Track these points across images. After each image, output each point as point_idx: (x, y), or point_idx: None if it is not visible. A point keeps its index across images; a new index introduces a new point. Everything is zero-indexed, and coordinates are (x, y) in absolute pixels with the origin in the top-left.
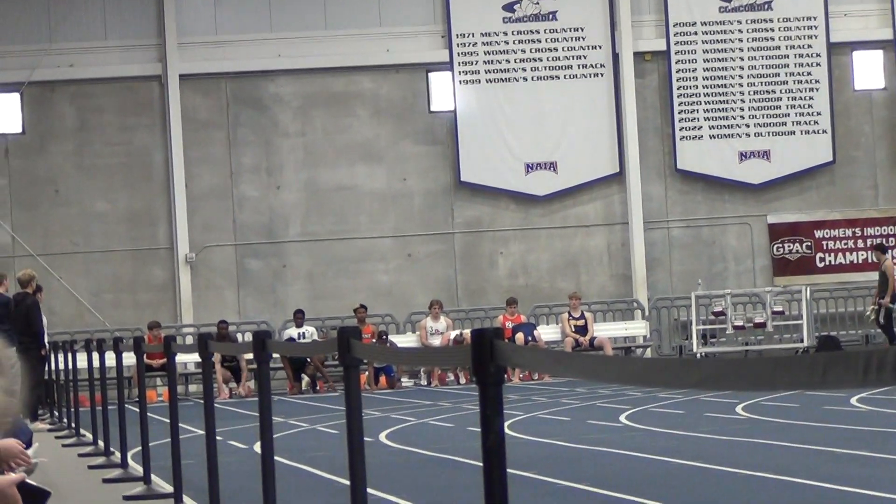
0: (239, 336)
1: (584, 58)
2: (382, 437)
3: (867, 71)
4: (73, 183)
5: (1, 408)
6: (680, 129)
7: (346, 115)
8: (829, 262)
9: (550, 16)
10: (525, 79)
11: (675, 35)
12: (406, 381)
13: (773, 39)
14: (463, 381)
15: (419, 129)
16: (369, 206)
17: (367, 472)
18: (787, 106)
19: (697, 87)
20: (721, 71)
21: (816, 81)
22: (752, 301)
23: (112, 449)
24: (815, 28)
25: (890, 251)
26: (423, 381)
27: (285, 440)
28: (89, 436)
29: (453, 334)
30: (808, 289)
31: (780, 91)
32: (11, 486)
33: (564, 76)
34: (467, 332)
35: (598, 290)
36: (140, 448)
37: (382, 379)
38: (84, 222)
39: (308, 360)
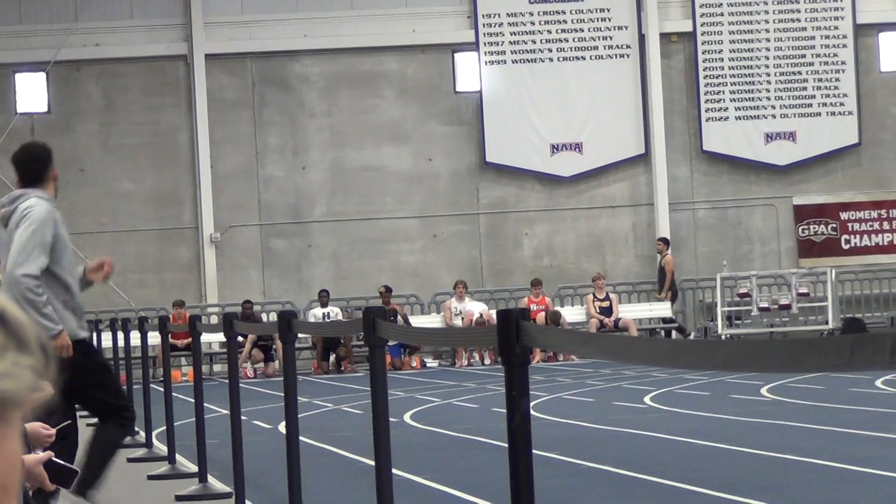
0: (264, 316)
1: (610, 39)
2: (407, 417)
3: (894, 52)
4: (98, 163)
5: (30, 387)
6: (706, 111)
7: (371, 96)
8: (855, 244)
9: None
10: (551, 59)
11: (701, 16)
12: (431, 362)
13: (799, 21)
14: (487, 361)
15: (445, 109)
16: (395, 187)
17: (391, 452)
18: (814, 87)
19: (723, 69)
20: (747, 52)
21: (843, 63)
22: (777, 283)
23: (136, 429)
24: (842, 9)
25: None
26: (447, 362)
27: (310, 420)
28: None
29: (476, 314)
30: (834, 271)
31: (807, 72)
32: (38, 464)
33: (590, 57)
34: (488, 312)
35: (623, 272)
36: (164, 428)
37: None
38: (109, 202)
39: (341, 340)
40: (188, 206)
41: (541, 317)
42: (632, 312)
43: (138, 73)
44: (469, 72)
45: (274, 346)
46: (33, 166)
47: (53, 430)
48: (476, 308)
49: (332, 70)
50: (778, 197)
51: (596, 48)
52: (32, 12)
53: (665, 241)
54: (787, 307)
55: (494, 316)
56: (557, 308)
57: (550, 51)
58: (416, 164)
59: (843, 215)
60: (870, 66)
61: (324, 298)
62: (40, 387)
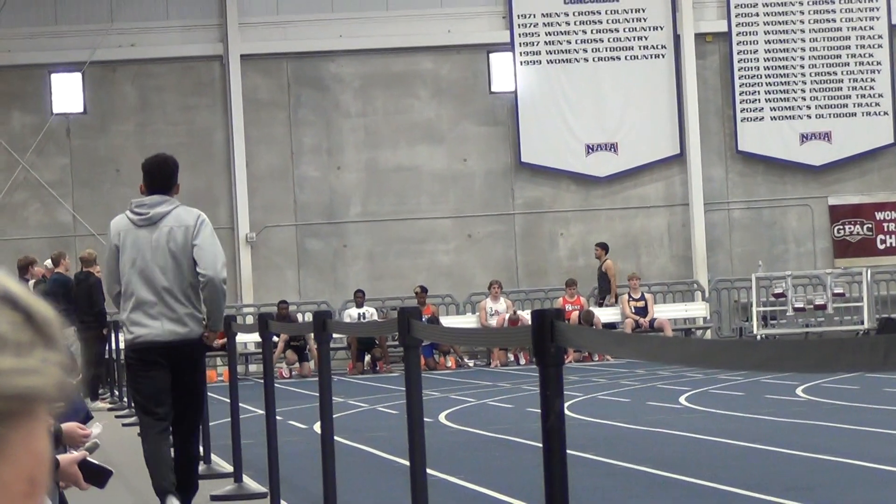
0: (299, 316)
1: (645, 39)
2: (442, 417)
3: None
4: (134, 163)
5: (59, 384)
6: (741, 111)
7: (406, 96)
8: (890, 244)
9: None
10: (586, 60)
11: (736, 16)
12: (468, 361)
13: (834, 21)
14: (523, 361)
15: (480, 109)
16: (430, 187)
17: (426, 452)
18: (849, 87)
19: (758, 69)
20: (782, 52)
21: (878, 63)
22: (812, 283)
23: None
24: (877, 10)
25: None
26: (482, 362)
27: (345, 420)
28: None
29: (508, 314)
30: (869, 271)
31: (842, 72)
32: (73, 464)
33: (625, 57)
34: (522, 312)
35: (658, 272)
36: (200, 428)
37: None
38: None
39: (376, 340)
40: (224, 206)
41: (574, 316)
42: (667, 312)
43: (174, 73)
44: (504, 72)
45: (308, 347)
46: (169, 176)
47: (89, 431)
48: (504, 307)
49: (366, 70)
50: (813, 197)
51: (631, 48)
52: (68, 13)
53: (603, 246)
54: (823, 307)
55: (525, 315)
56: (591, 308)
57: (586, 51)
58: (450, 164)
59: (879, 215)
60: None
61: (359, 299)
62: (67, 383)
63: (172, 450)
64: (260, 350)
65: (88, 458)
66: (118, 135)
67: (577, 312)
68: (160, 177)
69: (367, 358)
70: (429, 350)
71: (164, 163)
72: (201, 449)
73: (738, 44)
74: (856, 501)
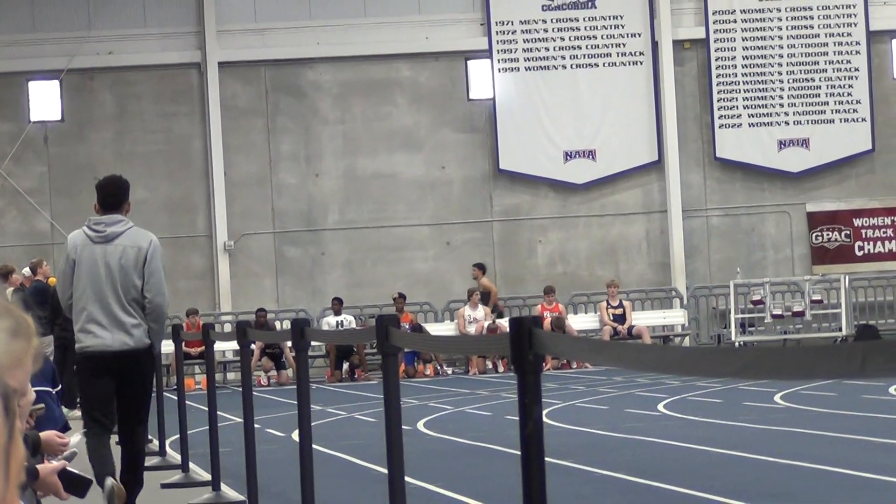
0: (277, 324)
1: (623, 46)
2: (420, 425)
3: None
4: (112, 171)
5: (8, 352)
6: (719, 118)
7: (385, 103)
8: (868, 250)
9: (589, 3)
10: (564, 67)
11: (714, 23)
12: (446, 369)
13: (812, 27)
14: (501, 369)
15: (458, 116)
16: (408, 194)
17: (404, 460)
18: (827, 94)
19: (736, 76)
20: (760, 59)
21: (856, 69)
22: (790, 290)
23: (150, 437)
24: (855, 16)
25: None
26: (461, 370)
27: (323, 428)
28: None
29: (487, 322)
30: (847, 277)
31: (820, 79)
32: (52, 474)
33: (603, 64)
34: (501, 320)
35: (636, 279)
36: (178, 436)
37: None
38: None
39: (354, 348)
40: (201, 213)
41: (546, 324)
42: (645, 320)
43: (151, 80)
44: (482, 79)
45: (283, 356)
46: (121, 195)
47: (67, 440)
48: (482, 315)
49: (345, 77)
50: (791, 204)
51: (609, 55)
52: (46, 20)
53: (480, 266)
54: (801, 314)
55: (503, 322)
56: (567, 314)
57: (564, 58)
58: (429, 171)
59: (857, 222)
60: (883, 73)
61: (337, 306)
62: (14, 347)
63: (119, 448)
64: (238, 358)
65: (68, 468)
66: (96, 142)
67: (548, 320)
68: (113, 197)
69: (346, 366)
70: (410, 357)
71: (116, 183)
72: (179, 457)
73: (716, 50)
74: None
